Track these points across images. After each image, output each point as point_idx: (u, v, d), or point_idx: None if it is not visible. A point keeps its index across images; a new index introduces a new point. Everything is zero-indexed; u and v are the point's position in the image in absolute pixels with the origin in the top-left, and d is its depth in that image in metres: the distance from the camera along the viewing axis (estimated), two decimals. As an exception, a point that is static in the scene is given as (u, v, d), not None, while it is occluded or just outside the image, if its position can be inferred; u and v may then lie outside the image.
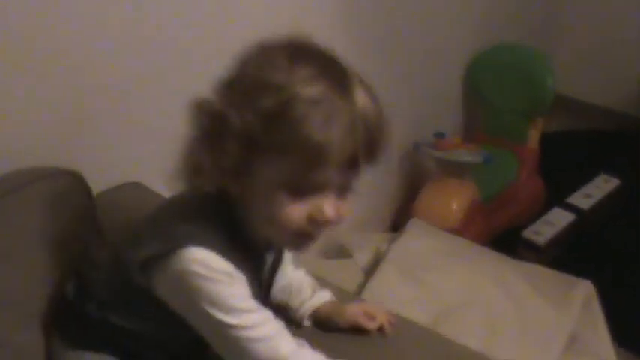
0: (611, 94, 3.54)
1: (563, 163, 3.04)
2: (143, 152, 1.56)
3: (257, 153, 0.94)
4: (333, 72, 0.96)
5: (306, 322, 1.27)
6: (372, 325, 1.26)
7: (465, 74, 2.82)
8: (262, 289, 1.14)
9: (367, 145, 0.95)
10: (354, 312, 1.27)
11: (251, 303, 1.02)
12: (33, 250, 1.16)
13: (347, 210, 1.01)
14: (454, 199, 2.45)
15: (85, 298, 1.12)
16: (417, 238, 2.09)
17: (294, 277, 1.29)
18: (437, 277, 1.91)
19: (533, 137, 2.76)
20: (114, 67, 1.47)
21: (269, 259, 1.15)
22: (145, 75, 1.55)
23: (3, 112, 1.28)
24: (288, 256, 1.26)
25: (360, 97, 0.95)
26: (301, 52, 0.96)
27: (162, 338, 1.12)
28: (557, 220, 2.69)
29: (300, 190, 0.96)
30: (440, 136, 2.56)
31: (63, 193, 1.22)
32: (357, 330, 1.25)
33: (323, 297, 1.28)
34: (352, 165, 0.95)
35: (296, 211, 0.97)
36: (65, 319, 1.15)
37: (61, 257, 1.18)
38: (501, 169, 2.67)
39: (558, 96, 2.72)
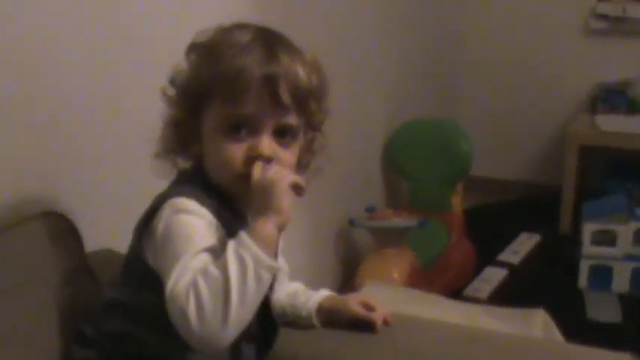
0: (515, 167, 3.82)
1: (486, 229, 3.23)
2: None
3: (198, 105, 1.08)
4: (265, 34, 1.10)
5: (316, 322, 1.27)
6: (373, 316, 1.28)
7: (384, 152, 2.98)
8: None
9: (291, 87, 1.06)
10: (353, 303, 1.29)
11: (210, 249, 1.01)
12: (35, 287, 1.16)
13: (288, 157, 1.09)
14: (394, 268, 2.53)
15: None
16: (376, 291, 2.14)
17: (295, 285, 1.33)
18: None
19: (457, 202, 2.92)
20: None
21: None
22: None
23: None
24: (284, 269, 1.29)
25: (284, 56, 1.07)
26: (245, 24, 1.11)
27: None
28: (493, 276, 2.83)
29: (232, 126, 1.06)
30: (371, 209, 2.67)
31: (53, 231, 1.24)
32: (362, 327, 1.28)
33: (324, 292, 1.32)
34: (275, 100, 1.05)
35: (234, 150, 1.06)
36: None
37: (63, 292, 1.19)
38: (433, 236, 2.78)
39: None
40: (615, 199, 2.87)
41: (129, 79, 1.63)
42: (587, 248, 2.75)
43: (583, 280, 2.77)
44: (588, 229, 2.74)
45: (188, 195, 1.05)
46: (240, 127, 1.06)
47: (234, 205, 1.12)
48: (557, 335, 1.96)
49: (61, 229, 1.26)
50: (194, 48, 1.11)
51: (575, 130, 3.31)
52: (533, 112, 3.73)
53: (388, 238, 2.61)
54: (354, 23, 2.70)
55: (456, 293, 2.70)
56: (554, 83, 3.67)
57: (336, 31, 2.55)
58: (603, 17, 3.50)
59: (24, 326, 1.13)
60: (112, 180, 1.60)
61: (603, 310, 2.62)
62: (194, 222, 1.03)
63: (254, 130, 1.07)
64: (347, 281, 2.65)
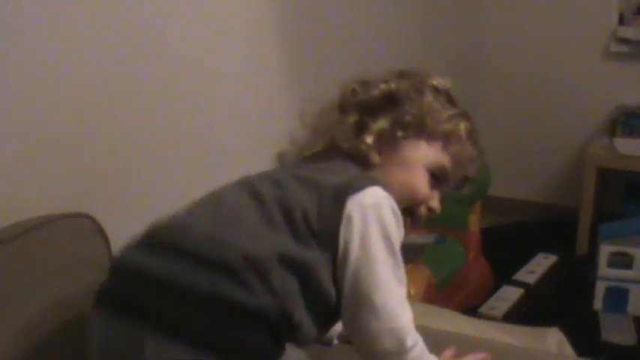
0: (533, 188, 3.84)
1: (503, 248, 3.25)
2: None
3: (420, 135, 1.21)
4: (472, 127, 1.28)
5: (335, 341, 1.32)
6: None
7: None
8: None
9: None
10: None
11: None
12: (63, 282, 1.21)
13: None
14: (411, 284, 2.54)
15: None
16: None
17: None
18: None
19: (474, 221, 2.94)
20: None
21: None
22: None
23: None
24: None
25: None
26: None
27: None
28: (509, 295, 2.84)
29: (439, 180, 1.22)
30: (390, 225, 2.70)
31: (82, 231, 1.29)
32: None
33: None
34: (464, 185, 1.29)
35: (428, 190, 1.22)
36: None
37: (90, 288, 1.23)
38: (450, 254, 2.81)
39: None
40: (633, 222, 2.89)
41: (158, 82, 1.68)
42: (604, 270, 2.77)
43: (598, 302, 2.79)
44: (605, 250, 2.76)
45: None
46: (437, 179, 1.22)
47: None
48: (571, 355, 1.98)
49: (89, 229, 1.31)
50: (437, 91, 1.25)
51: (593, 152, 3.33)
52: (552, 133, 3.75)
53: (405, 254, 2.62)
54: (374, 44, 2.74)
55: (471, 311, 2.72)
56: (573, 105, 3.68)
57: (356, 47, 2.58)
58: (624, 41, 3.51)
59: (51, 321, 1.16)
60: (138, 184, 1.65)
61: (618, 332, 2.63)
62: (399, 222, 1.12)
63: (438, 187, 1.23)
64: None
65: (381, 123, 1.20)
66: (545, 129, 3.76)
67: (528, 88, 3.77)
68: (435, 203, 1.22)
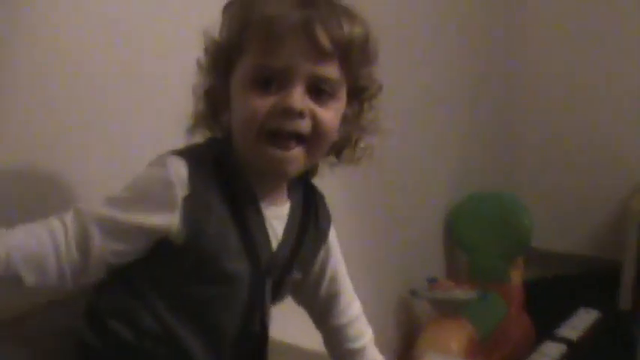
0: (575, 241, 3.82)
1: (544, 303, 3.23)
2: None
3: (228, 65, 1.02)
4: None
5: None
6: None
7: (446, 224, 3.03)
8: (257, 251, 1.08)
9: (331, 32, 0.97)
10: None
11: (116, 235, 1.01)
12: None
13: (327, 117, 1.01)
14: (454, 339, 2.57)
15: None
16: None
17: (358, 323, 1.38)
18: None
19: (516, 276, 2.95)
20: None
21: (270, 214, 1.10)
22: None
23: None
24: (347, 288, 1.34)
25: (322, 2, 0.99)
26: None
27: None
28: (551, 351, 2.82)
29: (261, 80, 0.98)
30: (433, 280, 2.72)
31: None
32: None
33: None
34: (311, 45, 0.96)
35: (259, 103, 0.98)
36: None
37: None
38: (492, 309, 2.82)
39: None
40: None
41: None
42: (647, 326, 2.76)
43: (643, 359, 2.77)
44: (649, 307, 2.75)
45: (187, 157, 1.01)
46: (270, 82, 0.98)
47: (248, 186, 1.06)
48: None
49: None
50: (227, 6, 1.04)
51: (635, 205, 3.31)
52: (594, 185, 3.74)
53: (447, 309, 2.66)
54: (424, 95, 2.75)
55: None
56: (616, 158, 3.68)
57: (407, 102, 2.58)
58: (667, 92, 3.52)
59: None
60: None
61: (663, 390, 2.61)
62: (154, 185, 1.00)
63: (285, 85, 0.98)
64: (406, 351, 2.69)
65: (198, 86, 1.07)
66: (587, 182, 3.76)
67: (570, 140, 3.77)
68: (281, 102, 0.97)
